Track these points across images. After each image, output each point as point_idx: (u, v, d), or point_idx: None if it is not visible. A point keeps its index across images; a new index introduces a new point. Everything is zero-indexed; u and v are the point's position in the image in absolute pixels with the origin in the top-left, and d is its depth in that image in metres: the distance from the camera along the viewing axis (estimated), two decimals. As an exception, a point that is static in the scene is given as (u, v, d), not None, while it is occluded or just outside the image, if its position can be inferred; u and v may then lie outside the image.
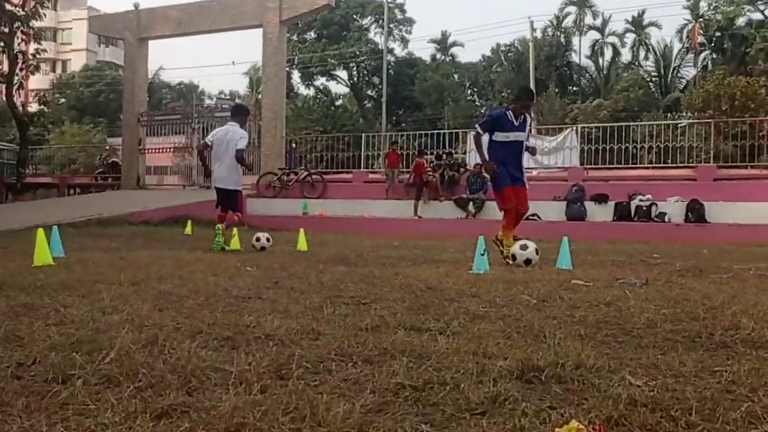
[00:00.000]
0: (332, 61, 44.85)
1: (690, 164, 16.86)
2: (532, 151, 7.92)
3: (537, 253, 6.52)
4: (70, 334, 2.51)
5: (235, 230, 9.32)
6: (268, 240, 8.86)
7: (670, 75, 39.78)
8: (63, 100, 51.86)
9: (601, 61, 43.46)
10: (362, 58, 45.03)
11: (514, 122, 6.95)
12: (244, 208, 9.95)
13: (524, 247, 6.50)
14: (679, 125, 19.27)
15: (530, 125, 7.43)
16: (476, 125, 7.54)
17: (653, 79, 39.88)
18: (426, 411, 1.74)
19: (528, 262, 6.40)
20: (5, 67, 23.76)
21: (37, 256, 5.70)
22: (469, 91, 47.17)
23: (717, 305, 3.72)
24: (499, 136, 7.00)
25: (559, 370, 2.07)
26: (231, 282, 4.51)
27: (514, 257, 6.52)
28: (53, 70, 60.34)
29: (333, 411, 1.59)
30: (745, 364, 2.29)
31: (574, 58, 44.83)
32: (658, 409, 1.77)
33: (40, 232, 5.80)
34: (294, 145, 21.10)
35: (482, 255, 6.09)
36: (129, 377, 1.93)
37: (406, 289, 4.48)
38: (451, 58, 49.07)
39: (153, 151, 22.60)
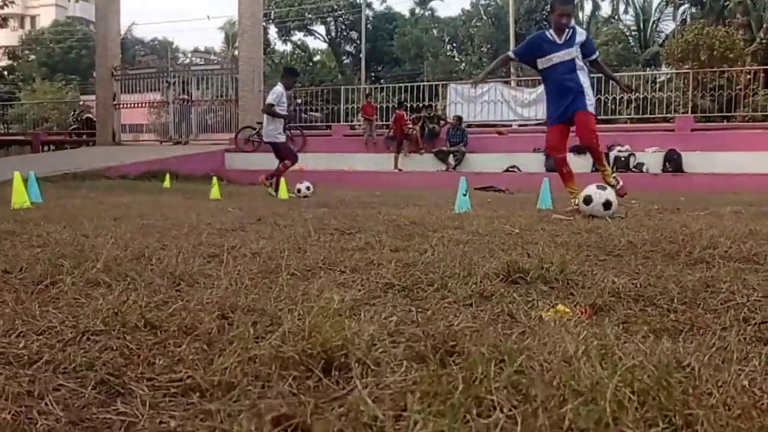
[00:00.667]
0: (309, 15, 44.04)
1: (668, 116, 16.98)
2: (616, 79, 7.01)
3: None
4: (55, 252, 2.49)
5: (282, 180, 9.45)
6: (308, 188, 9.20)
7: (649, 29, 39.66)
8: (33, 56, 50.41)
9: (581, 15, 43.18)
10: (340, 12, 44.25)
11: (557, 40, 5.73)
12: (291, 155, 10.15)
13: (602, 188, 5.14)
14: (658, 78, 19.33)
15: (585, 37, 5.88)
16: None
17: (633, 33, 39.75)
18: (415, 303, 1.76)
19: (608, 205, 4.93)
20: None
21: (14, 199, 5.61)
22: (448, 47, 46.68)
23: (695, 230, 3.79)
24: (542, 63, 5.86)
25: (543, 272, 2.11)
26: (214, 218, 4.49)
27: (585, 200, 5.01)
28: (21, 25, 58.55)
29: (324, 297, 1.61)
30: (723, 269, 2.35)
31: (549, 11, 44.49)
32: (641, 299, 1.81)
33: (17, 175, 5.71)
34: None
35: (464, 195, 6.13)
36: (118, 280, 1.93)
37: (390, 223, 4.50)
38: (430, 12, 48.40)
39: (128, 106, 22.18)
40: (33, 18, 60.16)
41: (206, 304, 1.58)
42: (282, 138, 10.06)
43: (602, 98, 17.36)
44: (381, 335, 1.21)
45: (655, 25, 39.78)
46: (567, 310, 1.60)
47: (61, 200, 6.78)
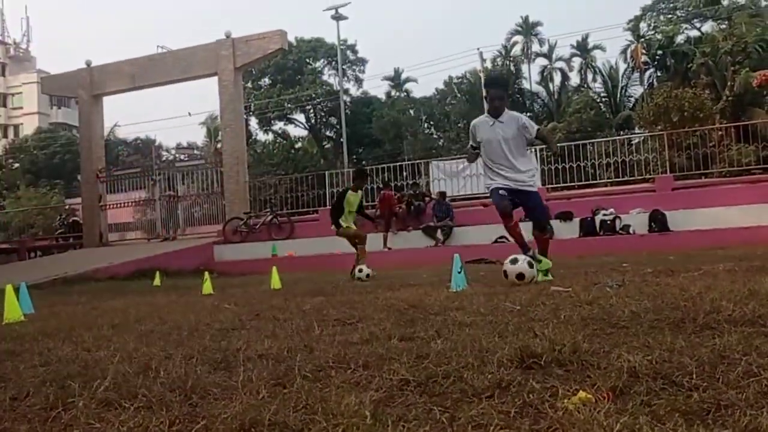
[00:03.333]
0: (289, 105, 45.11)
1: (648, 177, 17.32)
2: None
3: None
4: (60, 371, 2.45)
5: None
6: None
7: (618, 94, 41.02)
8: (17, 165, 50.85)
9: (551, 86, 44.63)
10: (318, 99, 45.41)
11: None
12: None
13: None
14: (633, 141, 19.83)
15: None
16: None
17: (603, 99, 41.04)
18: (434, 399, 1.74)
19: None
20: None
21: (7, 313, 5.53)
22: (426, 125, 47.83)
23: (695, 294, 3.81)
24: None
25: (557, 355, 2.10)
26: (212, 317, 4.45)
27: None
28: (5, 135, 59.44)
29: (344, 403, 1.59)
30: (733, 336, 2.35)
31: (525, 84, 45.98)
32: (659, 377, 1.81)
33: (9, 288, 5.66)
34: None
35: (459, 272, 6.13)
36: (128, 399, 1.90)
37: (390, 308, 4.48)
38: (405, 93, 49.81)
39: (114, 206, 22.27)
40: (16, 127, 61.12)
41: (225, 421, 1.55)
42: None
43: (581, 164, 17.74)
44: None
45: (624, 90, 41.17)
46: (590, 396, 1.59)
47: (54, 308, 6.70)
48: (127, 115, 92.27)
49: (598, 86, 42.35)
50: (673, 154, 18.13)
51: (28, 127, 59.08)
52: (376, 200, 17.81)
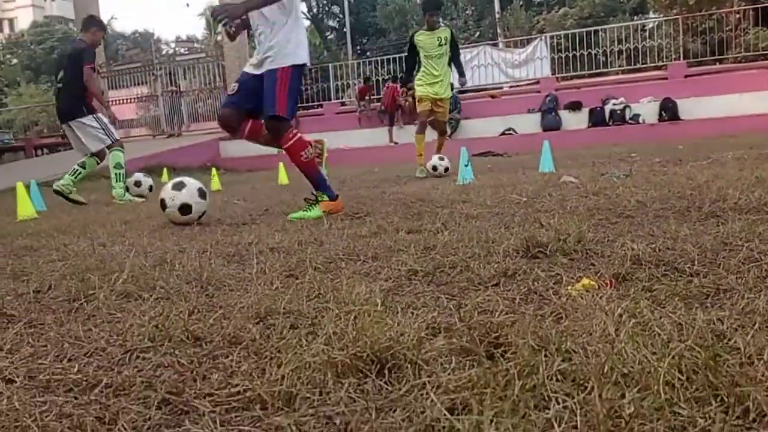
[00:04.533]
0: (290, -7, 43.38)
1: (660, 64, 16.88)
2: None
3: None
4: (78, 265, 2.52)
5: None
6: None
7: (633, -23, 39.25)
8: (15, 60, 49.96)
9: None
10: (320, -13, 43.70)
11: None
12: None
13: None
14: (647, 26, 19.15)
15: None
16: None
17: (617, -18, 39.35)
18: (441, 288, 1.80)
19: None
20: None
21: (20, 211, 5.62)
22: (432, 13, 46.16)
23: (702, 183, 3.83)
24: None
25: (562, 244, 2.14)
26: (222, 213, 4.52)
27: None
28: (0, 29, 57.94)
29: (355, 292, 1.65)
30: (737, 224, 2.38)
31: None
32: (661, 264, 1.85)
33: (20, 186, 5.72)
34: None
35: (466, 166, 6.14)
36: (147, 290, 1.97)
37: (397, 202, 4.53)
38: (411, -21, 47.80)
39: (116, 103, 22.04)
40: (11, 21, 59.49)
41: (242, 310, 1.61)
42: None
43: (592, 52, 17.26)
44: (424, 332, 1.25)
45: (640, -28, 39.30)
46: (593, 283, 1.64)
47: (65, 206, 6.80)
48: (123, 7, 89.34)
49: (614, -33, 40.36)
50: (688, 39, 17.56)
51: (23, 21, 57.52)
52: (381, 93, 17.56)
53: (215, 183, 9.23)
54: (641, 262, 1.88)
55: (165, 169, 14.50)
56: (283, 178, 9.33)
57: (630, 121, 14.89)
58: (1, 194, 11.14)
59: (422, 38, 7.48)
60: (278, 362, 1.13)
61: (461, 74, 8.00)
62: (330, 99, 19.77)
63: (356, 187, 6.77)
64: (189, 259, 2.44)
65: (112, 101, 21.79)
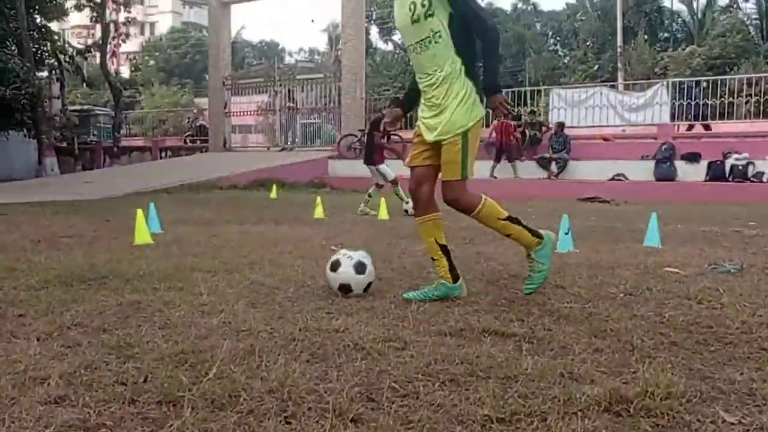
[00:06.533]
0: (411, 14, 44.10)
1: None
2: None
3: None
4: (175, 342, 2.70)
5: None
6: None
7: (773, 18, 36.94)
8: (152, 62, 53.73)
9: (695, 4, 40.80)
10: (441, 10, 44.07)
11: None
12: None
13: None
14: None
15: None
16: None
17: (754, 22, 37.10)
18: (514, 449, 1.79)
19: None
20: (97, 35, 24.82)
21: (137, 236, 6.06)
22: (551, 41, 45.49)
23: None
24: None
25: (648, 401, 2.07)
26: (318, 268, 4.65)
27: None
28: (141, 32, 62.33)
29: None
30: None
31: (666, 2, 42.29)
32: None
33: (140, 214, 6.14)
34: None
35: (566, 233, 6.01)
36: (231, 400, 2.08)
37: (489, 277, 4.50)
38: (533, 7, 47.32)
39: (237, 113, 23.22)
40: (152, 25, 63.97)
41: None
42: None
43: (717, 102, 16.41)
44: None
45: (780, 13, 36.99)
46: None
47: (178, 228, 7.24)
48: (253, 17, 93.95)
49: (750, 7, 38.24)
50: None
51: (162, 25, 61.76)
52: (491, 126, 17.39)
53: (318, 212, 9.51)
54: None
55: (275, 185, 15.11)
56: (383, 212, 9.48)
57: (753, 179, 14.05)
58: (127, 200, 12.01)
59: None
60: None
61: (488, 83, 3.54)
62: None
63: (451, 238, 6.74)
64: (275, 353, 2.55)
65: (233, 113, 22.98)
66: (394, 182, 10.55)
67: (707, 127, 17.30)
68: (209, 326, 3.00)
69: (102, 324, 3.05)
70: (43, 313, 3.26)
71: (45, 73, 21.99)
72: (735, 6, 38.74)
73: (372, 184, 10.60)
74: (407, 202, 9.45)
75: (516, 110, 18.19)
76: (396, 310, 3.45)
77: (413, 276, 4.53)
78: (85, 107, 30.84)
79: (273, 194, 14.20)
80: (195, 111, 29.88)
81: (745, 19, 37.12)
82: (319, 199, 10.03)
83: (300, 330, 2.96)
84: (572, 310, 3.52)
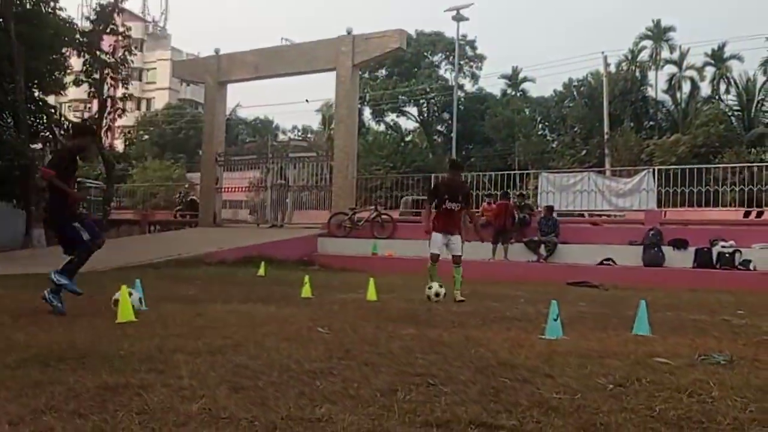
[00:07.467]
0: (403, 97, 45.41)
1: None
2: None
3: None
4: (152, 430, 2.61)
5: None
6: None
7: (753, 109, 38.15)
8: (146, 137, 54.49)
9: (678, 95, 42.24)
10: (432, 94, 45.41)
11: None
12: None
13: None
14: (766, 166, 18.38)
15: None
16: None
17: (735, 113, 38.33)
18: None
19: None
20: (94, 108, 25.26)
21: (121, 313, 5.98)
22: (540, 126, 46.70)
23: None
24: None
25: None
26: (303, 351, 4.57)
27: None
28: (138, 108, 63.55)
29: None
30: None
31: (650, 92, 43.79)
32: None
33: (124, 291, 6.08)
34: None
35: (555, 320, 5.97)
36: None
37: (477, 364, 4.43)
38: (521, 93, 48.83)
39: (229, 190, 23.38)
40: (149, 101, 65.28)
41: None
42: None
43: (703, 189, 16.72)
44: None
45: (760, 105, 38.30)
46: None
47: (163, 306, 7.14)
48: (248, 95, 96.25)
49: (731, 99, 39.62)
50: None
51: (159, 101, 63.02)
52: (480, 208, 17.53)
53: (306, 290, 9.42)
54: None
55: (263, 263, 15.00)
56: (371, 293, 9.38)
57: (740, 267, 14.11)
58: (113, 273, 11.88)
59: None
60: None
61: None
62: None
63: (440, 323, 6.69)
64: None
65: (225, 189, 23.16)
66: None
67: (760, 214, 17.64)
68: (188, 413, 2.91)
69: (77, 408, 2.96)
70: (17, 395, 3.16)
71: (39, 145, 22.17)
72: (717, 98, 40.13)
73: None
74: (430, 287, 9.04)
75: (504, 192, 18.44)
76: (381, 398, 3.37)
77: (401, 361, 4.45)
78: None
79: (261, 271, 14.10)
80: (186, 186, 30.08)
81: (727, 110, 38.39)
82: (307, 277, 9.95)
83: (282, 419, 2.88)
84: (561, 401, 3.46)
